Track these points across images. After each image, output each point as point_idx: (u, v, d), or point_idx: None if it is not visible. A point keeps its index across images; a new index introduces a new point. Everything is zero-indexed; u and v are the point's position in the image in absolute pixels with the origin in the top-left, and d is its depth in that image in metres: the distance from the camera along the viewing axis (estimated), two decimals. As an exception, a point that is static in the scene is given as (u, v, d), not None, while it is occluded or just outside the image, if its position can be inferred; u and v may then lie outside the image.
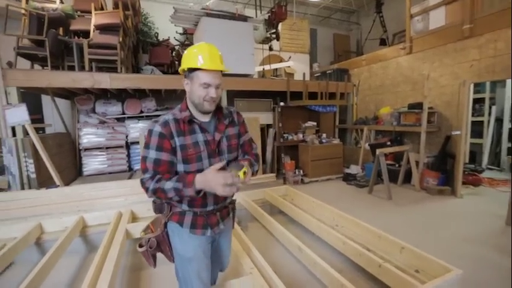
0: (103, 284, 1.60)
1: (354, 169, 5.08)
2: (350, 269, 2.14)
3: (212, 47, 1.12)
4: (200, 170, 1.12)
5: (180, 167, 1.14)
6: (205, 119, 1.18)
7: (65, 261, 2.31)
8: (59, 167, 4.22)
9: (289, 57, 6.74)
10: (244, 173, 1.07)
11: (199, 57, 1.08)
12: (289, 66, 6.53)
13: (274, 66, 6.21)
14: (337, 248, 2.22)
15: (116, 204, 3.14)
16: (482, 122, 5.66)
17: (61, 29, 4.38)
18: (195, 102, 1.13)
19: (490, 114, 5.59)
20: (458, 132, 3.97)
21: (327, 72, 6.29)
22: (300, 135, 5.26)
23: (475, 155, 5.67)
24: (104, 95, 5.59)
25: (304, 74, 5.32)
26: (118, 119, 5.57)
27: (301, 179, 4.89)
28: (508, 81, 5.31)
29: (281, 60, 6.61)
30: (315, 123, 5.47)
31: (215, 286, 1.54)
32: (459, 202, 3.70)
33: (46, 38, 3.74)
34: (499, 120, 5.54)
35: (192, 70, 1.10)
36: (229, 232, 1.43)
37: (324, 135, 5.34)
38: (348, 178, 4.87)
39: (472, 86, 4.18)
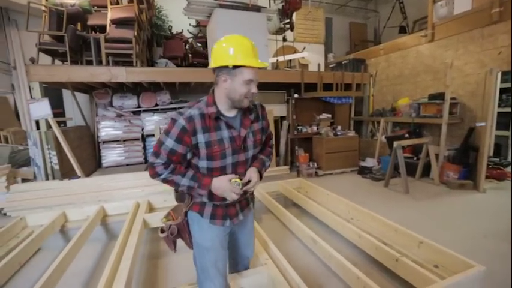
0: (123, 270, 1.67)
1: (370, 162, 4.96)
2: (365, 262, 2.11)
3: (250, 41, 1.11)
4: (223, 167, 1.15)
5: (203, 163, 1.14)
6: (231, 114, 1.16)
7: (88, 248, 2.43)
8: (79, 159, 4.40)
9: (304, 48, 6.60)
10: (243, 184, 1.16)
11: (241, 53, 1.06)
12: (303, 57, 6.39)
13: (288, 57, 6.10)
14: (352, 241, 2.19)
15: (133, 194, 3.24)
16: (509, 113, 5.34)
17: (79, 24, 4.49)
18: (235, 98, 1.10)
19: (518, 104, 5.27)
20: (483, 124, 3.77)
21: (343, 62, 6.11)
22: (314, 128, 5.18)
23: (500, 148, 5.37)
24: (120, 88, 5.72)
25: (318, 65, 5.20)
26: (134, 112, 5.71)
27: (315, 172, 4.84)
28: (540, 68, 4.97)
29: (295, 51, 6.48)
30: (329, 115, 5.36)
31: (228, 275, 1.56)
32: (482, 197, 3.54)
33: (65, 34, 3.84)
34: (528, 111, 5.21)
35: (235, 67, 1.05)
36: (250, 223, 1.43)
37: (339, 127, 5.23)
38: (364, 171, 4.77)
39: (499, 74, 3.93)
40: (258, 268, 1.66)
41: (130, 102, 5.63)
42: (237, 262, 1.55)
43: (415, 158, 4.55)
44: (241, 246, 1.45)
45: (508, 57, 3.71)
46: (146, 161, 5.75)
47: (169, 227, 1.25)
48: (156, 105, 5.72)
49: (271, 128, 4.94)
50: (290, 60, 6.45)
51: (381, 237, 2.15)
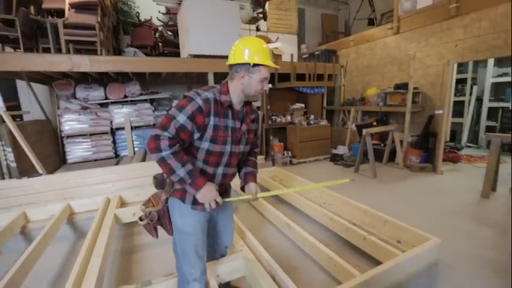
0: (94, 267, 1.61)
1: (341, 150, 5.18)
2: (337, 244, 2.23)
3: (267, 45, 1.22)
4: (222, 153, 1.21)
5: (205, 145, 1.18)
6: (238, 108, 1.25)
7: (54, 248, 2.30)
8: (40, 155, 4.07)
9: (277, 38, 6.59)
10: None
11: (260, 54, 1.15)
12: (277, 48, 6.40)
13: (261, 47, 6.06)
14: (324, 224, 2.30)
15: (103, 190, 3.10)
16: (463, 101, 5.84)
17: (32, 7, 4.08)
18: (250, 94, 1.20)
19: (471, 94, 5.77)
20: (440, 112, 4.09)
21: (315, 53, 6.23)
22: (288, 117, 5.28)
23: (455, 134, 5.90)
24: (84, 79, 5.34)
25: (292, 55, 5.25)
26: (101, 105, 5.38)
27: (290, 161, 4.95)
28: (490, 61, 5.46)
29: (269, 41, 6.46)
30: (303, 105, 5.48)
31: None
32: (439, 178, 3.87)
33: (16, 17, 3.48)
34: (479, 100, 5.73)
35: (255, 65, 1.15)
36: (229, 210, 1.48)
37: (312, 116, 5.37)
38: (335, 158, 4.98)
39: (455, 66, 4.26)
40: (233, 255, 1.69)
41: (97, 93, 5.28)
42: (215, 250, 1.57)
43: (382, 145, 4.83)
44: (220, 233, 1.49)
45: (463, 50, 4.02)
46: (116, 155, 5.49)
47: (149, 214, 1.26)
48: (125, 96, 5.43)
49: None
50: (264, 51, 6.41)
51: (350, 219, 2.28)
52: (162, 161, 1.10)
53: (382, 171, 4.25)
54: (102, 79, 5.45)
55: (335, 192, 2.64)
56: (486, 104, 5.61)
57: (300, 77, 5.25)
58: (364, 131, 3.99)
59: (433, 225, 2.44)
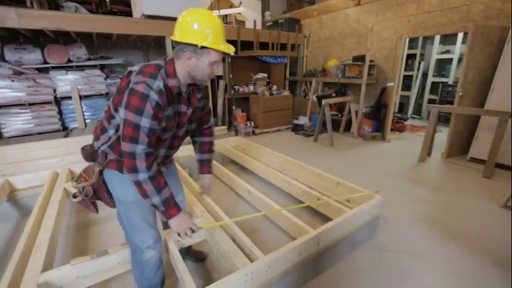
0: (43, 243, 1.51)
1: (302, 120, 5.36)
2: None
3: (221, 22, 1.06)
4: (167, 139, 1.14)
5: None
6: (184, 89, 1.12)
7: (-5, 227, 2.10)
8: (-34, 128, 3.52)
9: (240, 3, 6.23)
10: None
11: (212, 34, 1.00)
12: (239, 13, 6.07)
13: (223, 12, 5.70)
14: (283, 189, 2.44)
15: (50, 165, 2.83)
16: (411, 76, 6.34)
17: None
18: (198, 77, 1.08)
19: (418, 69, 6.26)
20: (391, 84, 4.39)
21: (279, 21, 6.08)
22: (251, 87, 5.22)
23: (403, 106, 6.46)
24: (13, 38, 4.54)
25: (255, 22, 5.06)
26: (39, 70, 4.70)
27: (253, 131, 5.01)
28: (437, 38, 5.90)
29: (231, 6, 6.09)
30: (265, 75, 5.43)
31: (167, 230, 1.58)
32: (387, 145, 4.28)
33: None
34: (425, 75, 6.27)
35: (203, 47, 1.00)
36: (174, 174, 1.46)
37: (275, 87, 5.39)
38: (297, 128, 5.15)
39: (407, 40, 4.52)
40: (194, 220, 1.71)
41: (32, 56, 4.57)
42: None
43: (340, 115, 5.10)
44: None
45: (414, 26, 4.26)
46: (64, 128, 4.98)
47: (83, 189, 1.16)
48: (70, 61, 4.80)
49: (207, 88, 4.77)
50: (226, 16, 6.06)
51: (307, 183, 2.44)
52: (137, 184, 1.03)
53: (339, 140, 4.54)
54: (38, 39, 4.71)
55: (295, 159, 2.77)
56: (430, 79, 6.17)
57: (263, 46, 5.14)
58: (324, 101, 4.15)
59: (378, 186, 2.73)
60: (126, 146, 0.99)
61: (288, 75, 6.05)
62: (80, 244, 1.97)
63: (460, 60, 5.61)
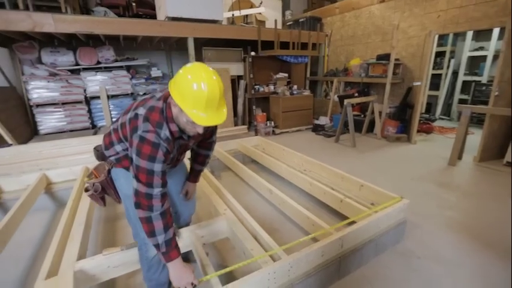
0: (76, 235, 1.61)
1: (323, 120, 5.27)
2: (315, 207, 2.37)
3: (214, 86, 0.96)
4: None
5: None
6: (184, 134, 1.16)
7: (34, 218, 2.27)
8: (8, 125, 3.82)
9: (261, 3, 6.24)
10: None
11: (194, 100, 0.95)
12: (260, 13, 6.09)
13: (244, 12, 5.75)
14: (304, 189, 2.41)
15: (81, 161, 2.99)
16: (440, 75, 6.02)
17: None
18: (180, 127, 1.08)
19: (448, 67, 5.94)
20: (419, 83, 4.20)
21: (300, 20, 6.01)
22: (271, 87, 5.21)
23: (430, 106, 6.16)
24: (49, 42, 4.87)
25: (275, 22, 5.04)
26: (72, 71, 5.00)
27: (273, 131, 5.00)
28: (469, 34, 5.56)
29: (252, 6, 6.12)
30: (286, 75, 5.40)
31: (192, 225, 1.62)
32: (413, 147, 4.10)
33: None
34: (455, 73, 5.93)
35: None
36: (180, 173, 1.50)
37: (295, 86, 5.34)
38: (317, 129, 5.08)
39: (436, 37, 4.31)
40: (216, 218, 1.74)
41: (65, 58, 4.87)
42: (179, 216, 1.59)
43: (362, 116, 4.96)
44: (175, 198, 1.50)
45: (444, 22, 4.04)
46: (93, 126, 5.25)
47: (93, 185, 1.25)
48: (99, 63, 5.07)
49: (228, 88, 4.83)
50: (246, 16, 6.10)
51: (329, 184, 2.40)
52: (147, 221, 1.04)
53: (361, 141, 4.42)
54: (71, 42, 5.01)
55: (316, 160, 2.73)
56: (461, 78, 5.83)
57: (284, 45, 5.11)
58: (346, 101, 4.06)
59: (403, 189, 2.63)
60: (142, 188, 1.02)
61: (308, 75, 5.97)
62: (109, 236, 2.07)
63: (495, 57, 5.24)
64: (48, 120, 4.89)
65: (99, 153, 1.26)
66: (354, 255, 1.60)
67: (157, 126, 1.02)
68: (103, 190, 1.28)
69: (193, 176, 1.52)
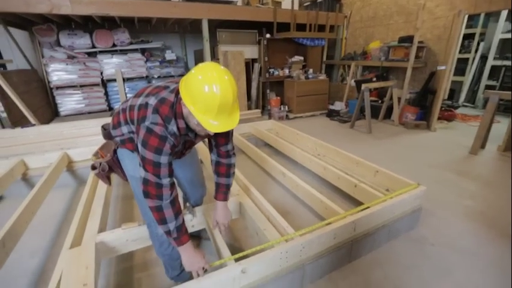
0: (97, 209, 1.69)
1: (338, 105, 5.14)
2: (329, 191, 2.35)
3: (227, 89, 0.90)
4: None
5: None
6: (191, 133, 1.14)
7: (57, 194, 2.39)
8: (31, 106, 3.98)
9: (277, -18, 6.00)
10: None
11: (204, 104, 0.91)
12: (276, -7, 5.87)
13: (260, -8, 5.55)
14: (318, 174, 2.39)
15: (99, 141, 3.06)
16: (467, 59, 5.65)
17: None
18: (191, 126, 1.06)
19: (476, 51, 5.56)
20: (443, 68, 3.97)
21: (318, 1, 5.75)
22: (286, 71, 5.10)
23: (453, 93, 5.85)
24: (67, 24, 4.94)
25: (292, 2, 4.85)
26: (88, 54, 5.08)
27: (286, 115, 4.94)
28: (503, 14, 5.13)
29: (267, -14, 5.89)
30: (301, 58, 5.25)
31: (203, 205, 1.65)
32: (432, 135, 3.94)
33: None
34: (484, 58, 5.55)
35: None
36: (190, 158, 1.47)
37: (311, 70, 5.20)
38: (332, 114, 4.97)
39: (466, 17, 4.00)
40: (230, 198, 1.76)
41: (82, 41, 4.95)
42: (189, 198, 1.63)
43: (380, 102, 4.79)
44: (183, 182, 1.52)
45: (476, 0, 3.74)
46: (110, 108, 5.39)
47: (100, 164, 1.25)
48: (114, 45, 5.12)
49: (242, 71, 4.77)
50: (262, -3, 5.90)
51: (343, 169, 2.36)
52: (157, 210, 1.05)
53: (377, 127, 4.29)
54: (87, 25, 5.06)
55: (330, 144, 2.69)
56: (490, 62, 5.45)
57: (300, 27, 4.94)
58: (363, 86, 3.92)
59: (420, 177, 2.54)
60: (151, 177, 1.02)
61: (325, 59, 5.79)
62: (127, 213, 2.16)
63: (530, 40, 4.85)
64: (67, 102, 5.05)
65: (106, 132, 1.25)
66: (366, 239, 1.59)
67: (166, 120, 1.00)
68: (110, 169, 1.29)
69: (220, 192, 1.37)
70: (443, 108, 4.55)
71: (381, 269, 1.55)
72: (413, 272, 1.52)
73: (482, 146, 3.35)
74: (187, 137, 1.15)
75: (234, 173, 1.40)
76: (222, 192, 1.38)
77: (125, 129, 1.15)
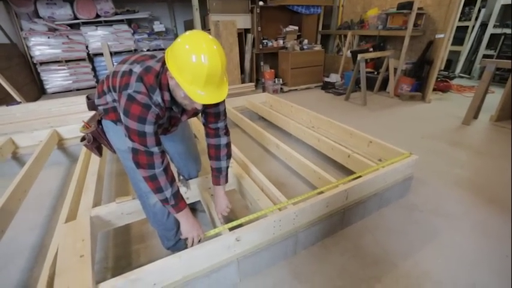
0: (90, 185, 1.68)
1: (334, 78, 5.04)
2: (322, 162, 2.38)
3: (216, 59, 0.87)
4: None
5: None
6: (176, 107, 1.10)
7: (51, 172, 2.38)
8: (15, 84, 3.82)
9: None
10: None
11: (192, 75, 0.88)
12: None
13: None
14: (312, 145, 2.40)
15: (90, 118, 3.02)
16: (466, 27, 5.49)
17: None
18: (177, 100, 1.03)
19: (477, 18, 5.37)
20: (442, 35, 3.86)
21: (313, -36, 5.39)
22: (280, 41, 4.91)
23: (450, 63, 5.75)
24: (44, -7, 4.59)
25: (286, -35, 4.54)
26: (71, 26, 4.80)
27: (281, 88, 4.85)
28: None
29: None
30: (296, 28, 5.04)
31: (199, 177, 1.66)
32: (427, 106, 3.94)
33: None
34: (484, 26, 5.38)
35: None
36: (180, 131, 1.43)
37: (306, 41, 5.02)
38: (327, 87, 4.89)
39: (467, -20, 3.81)
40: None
41: (63, 11, 4.64)
42: (182, 172, 1.62)
43: (376, 73, 4.71)
44: (174, 157, 1.50)
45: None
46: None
47: (87, 135, 1.23)
48: (98, 16, 4.82)
49: (234, 42, 4.58)
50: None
51: (337, 140, 2.36)
52: (151, 179, 1.04)
53: (372, 99, 4.26)
54: (67, -7, 4.72)
55: (324, 115, 2.67)
56: (489, 30, 5.30)
57: (295, -6, 4.67)
58: (359, 56, 3.81)
59: (413, 147, 2.56)
60: (139, 147, 1.00)
61: (320, 29, 5.56)
62: (121, 188, 2.17)
63: (532, 5, 4.68)
64: (54, 79, 4.86)
65: (90, 102, 1.22)
66: (357, 207, 1.63)
67: (150, 90, 0.96)
68: (95, 140, 1.26)
69: (215, 176, 1.36)
70: (438, 79, 4.50)
71: (371, 234, 1.61)
72: (401, 236, 1.59)
73: (475, 117, 3.37)
74: (172, 112, 1.11)
75: (227, 155, 1.35)
76: (214, 176, 1.37)
77: (109, 97, 1.11)
